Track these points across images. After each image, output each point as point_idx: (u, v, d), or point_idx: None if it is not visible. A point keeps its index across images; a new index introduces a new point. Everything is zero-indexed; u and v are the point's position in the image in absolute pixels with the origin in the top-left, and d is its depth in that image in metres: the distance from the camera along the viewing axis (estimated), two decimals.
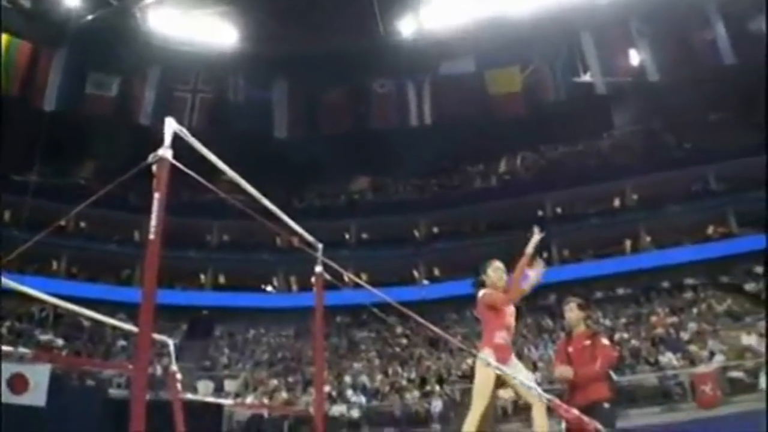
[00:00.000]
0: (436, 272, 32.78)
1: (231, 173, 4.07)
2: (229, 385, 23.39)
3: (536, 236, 5.79)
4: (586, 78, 27.44)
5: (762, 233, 24.39)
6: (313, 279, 5.45)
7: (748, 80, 23.38)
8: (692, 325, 21.90)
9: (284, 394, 21.58)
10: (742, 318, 21.97)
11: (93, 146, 31.20)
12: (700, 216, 28.73)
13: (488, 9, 26.48)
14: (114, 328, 21.17)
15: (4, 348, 13.76)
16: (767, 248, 22.72)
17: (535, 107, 28.73)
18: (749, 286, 24.28)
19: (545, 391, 5.19)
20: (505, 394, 17.85)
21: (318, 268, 5.43)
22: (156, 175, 3.24)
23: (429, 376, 22.37)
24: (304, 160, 31.06)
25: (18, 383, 14.19)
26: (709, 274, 26.38)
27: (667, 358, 19.52)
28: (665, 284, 27.04)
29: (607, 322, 24.17)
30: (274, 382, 22.91)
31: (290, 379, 23.47)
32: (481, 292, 5.43)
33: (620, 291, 27.74)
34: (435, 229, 33.98)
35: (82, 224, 30.96)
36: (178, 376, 8.22)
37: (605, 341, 5.82)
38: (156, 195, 3.19)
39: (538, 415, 5.06)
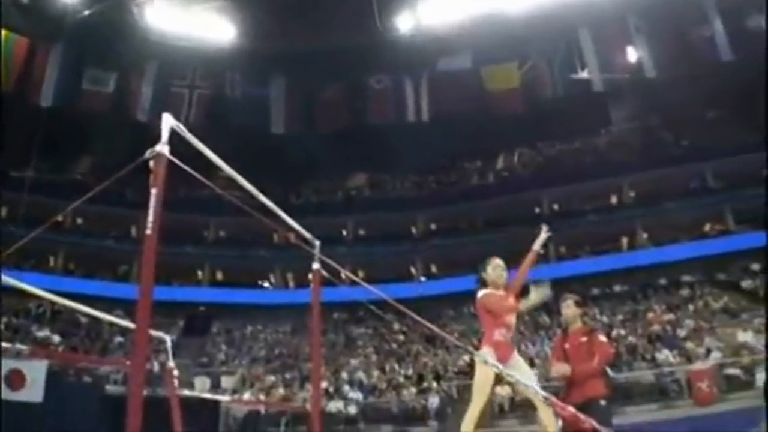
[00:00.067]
0: (434, 269, 32.84)
1: (228, 169, 4.06)
2: (226, 382, 23.39)
3: (543, 234, 5.81)
4: (584, 75, 27.40)
5: (759, 230, 24.43)
6: (310, 275, 5.44)
7: (745, 77, 23.34)
8: (689, 322, 21.93)
9: (281, 391, 21.56)
10: (739, 315, 21.99)
11: (90, 142, 31.18)
12: (697, 213, 28.77)
13: (486, 5, 26.43)
14: (111, 324, 21.13)
15: (2, 344, 13.73)
16: (766, 246, 22.72)
17: (532, 104, 28.69)
18: (746, 283, 24.32)
19: (542, 388, 5.19)
20: (502, 390, 17.99)
21: (315, 265, 5.43)
22: (153, 171, 3.23)
23: (426, 372, 22.38)
24: (302, 157, 31.08)
25: (15, 379, 14.23)
26: (705, 271, 26.40)
27: (664, 355, 19.53)
28: (662, 281, 27.07)
29: (604, 319, 24.19)
30: (271, 378, 22.90)
31: (287, 376, 23.48)
32: (480, 293, 5.43)
33: (617, 288, 27.77)
34: (432, 226, 34.00)
35: (79, 220, 30.98)
36: (175, 372, 8.23)
37: (602, 338, 5.82)
38: (153, 191, 3.18)
39: (544, 415, 5.07)
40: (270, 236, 31.41)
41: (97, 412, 15.54)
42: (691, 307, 23.67)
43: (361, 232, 34.05)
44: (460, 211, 32.36)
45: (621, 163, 30.87)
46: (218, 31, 27.72)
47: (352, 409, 20.37)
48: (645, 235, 29.90)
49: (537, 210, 31.66)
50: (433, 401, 19.96)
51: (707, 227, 29.40)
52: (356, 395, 21.26)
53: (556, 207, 32.27)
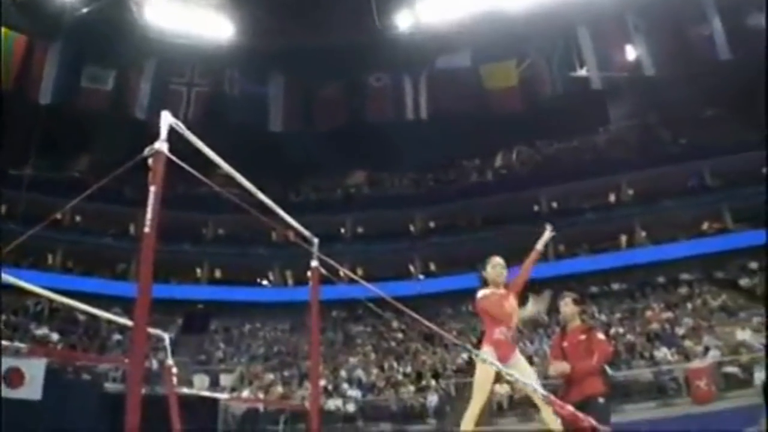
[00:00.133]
0: (432, 267, 32.84)
1: (227, 167, 4.05)
2: (225, 380, 23.38)
3: (548, 233, 5.83)
4: (582, 73, 27.41)
5: (757, 229, 24.47)
6: (308, 273, 5.44)
7: (744, 76, 23.38)
8: (687, 321, 21.95)
9: (280, 389, 21.56)
10: (737, 313, 22.03)
11: (88, 140, 31.14)
12: (695, 211, 28.79)
13: (485, 3, 26.42)
14: (109, 322, 21.17)
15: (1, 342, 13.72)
16: (767, 244, 22.76)
17: (531, 102, 28.70)
18: (744, 282, 24.37)
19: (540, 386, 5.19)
20: (501, 389, 18.03)
21: (314, 263, 5.42)
22: (152, 169, 3.22)
23: (425, 370, 22.39)
24: (300, 154, 31.05)
25: (14, 377, 14.23)
26: (704, 270, 26.43)
27: (662, 353, 19.54)
28: (660, 279, 27.10)
29: (603, 317, 24.20)
30: (270, 376, 22.90)
31: (286, 374, 23.48)
32: (479, 294, 5.45)
33: (615, 286, 27.78)
34: (431, 224, 34.02)
35: (78, 218, 30.96)
36: (174, 370, 8.21)
37: (601, 336, 5.83)
38: (151, 188, 3.17)
39: (547, 415, 5.09)
40: (268, 234, 31.40)
41: (96, 410, 15.54)
42: (689, 306, 23.70)
43: (360, 229, 34.06)
44: (459, 209, 32.36)
45: (619, 161, 30.90)
46: (217, 28, 27.70)
47: (351, 407, 20.37)
48: (643, 234, 29.93)
49: (535, 208, 31.70)
50: (432, 399, 19.97)
51: (705, 225, 29.43)
52: (355, 393, 21.26)
53: (554, 205, 32.27)
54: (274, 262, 32.18)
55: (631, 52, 27.26)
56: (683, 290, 25.53)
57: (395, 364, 23.56)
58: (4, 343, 13.68)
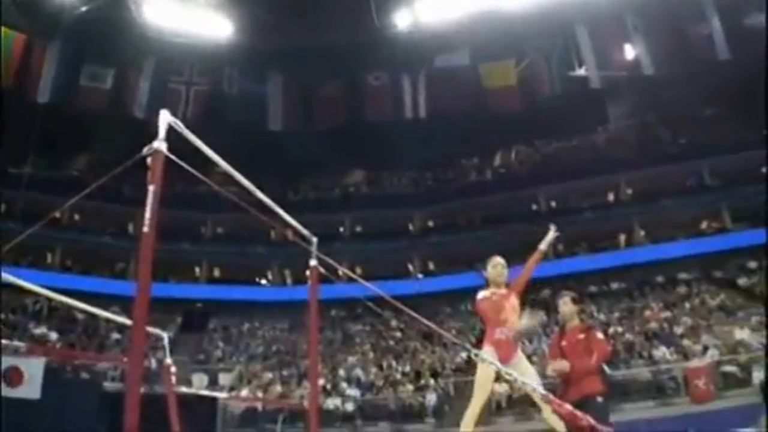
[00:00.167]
0: (431, 266, 32.84)
1: (225, 166, 4.04)
2: (224, 379, 23.38)
3: (551, 233, 5.83)
4: (581, 72, 27.41)
5: (756, 228, 24.49)
6: (307, 272, 5.43)
7: (743, 75, 23.40)
8: (686, 320, 21.98)
9: (279, 388, 21.58)
10: (736, 313, 22.06)
11: (87, 138, 31.08)
12: (694, 211, 28.82)
13: (483, 2, 26.39)
14: (108, 321, 21.15)
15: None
16: (766, 243, 22.78)
17: (529, 101, 28.66)
18: (742, 281, 24.42)
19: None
20: (500, 388, 18.03)
21: (312, 262, 5.41)
22: (150, 168, 3.21)
23: (423, 369, 22.40)
24: (299, 153, 31.00)
25: (13, 376, 14.22)
26: (702, 269, 26.47)
27: (661, 352, 19.57)
28: (659, 279, 27.12)
29: (601, 317, 24.22)
30: (269, 375, 22.92)
31: (285, 373, 23.48)
32: (478, 295, 5.46)
33: (614, 285, 27.79)
34: (430, 223, 34.01)
35: (77, 217, 30.91)
36: (173, 369, 8.22)
37: (599, 335, 5.83)
38: (150, 187, 3.16)
39: (549, 414, 5.10)
40: (267, 233, 31.39)
41: (95, 409, 15.54)
42: (687, 305, 23.72)
43: (359, 228, 34.06)
44: (458, 208, 32.35)
45: (618, 160, 30.91)
46: (215, 27, 27.66)
47: (350, 406, 20.37)
48: (642, 233, 29.95)
49: (534, 207, 31.73)
50: (431, 398, 19.99)
51: (704, 225, 29.46)
52: (353, 392, 21.26)
53: (553, 204, 32.28)
54: (272, 261, 32.18)
55: (629, 52, 27.25)
56: (682, 289, 25.55)
57: (394, 363, 23.56)
58: (3, 341, 13.67)
